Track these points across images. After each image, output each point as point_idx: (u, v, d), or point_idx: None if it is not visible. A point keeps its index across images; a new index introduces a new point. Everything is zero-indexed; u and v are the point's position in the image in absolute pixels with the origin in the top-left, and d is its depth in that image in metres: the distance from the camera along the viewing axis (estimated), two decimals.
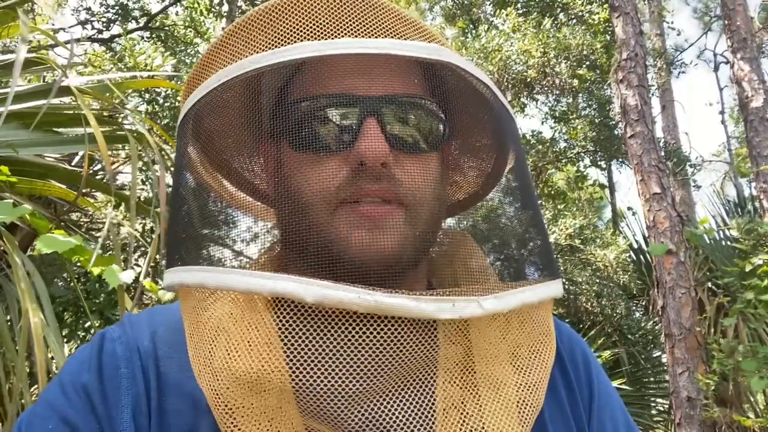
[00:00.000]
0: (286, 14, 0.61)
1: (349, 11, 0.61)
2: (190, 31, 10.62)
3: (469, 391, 0.60)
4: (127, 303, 1.64)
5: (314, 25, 0.60)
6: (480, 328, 0.62)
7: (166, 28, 10.53)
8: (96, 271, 1.50)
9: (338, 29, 0.60)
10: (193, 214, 0.69)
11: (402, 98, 0.63)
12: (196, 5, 10.17)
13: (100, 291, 3.58)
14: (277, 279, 0.55)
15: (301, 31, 0.60)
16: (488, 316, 0.60)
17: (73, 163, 2.74)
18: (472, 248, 0.72)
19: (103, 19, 9.79)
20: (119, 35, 9.68)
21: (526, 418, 0.59)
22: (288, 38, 0.60)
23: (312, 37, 0.60)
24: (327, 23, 0.60)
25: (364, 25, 0.60)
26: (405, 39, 0.61)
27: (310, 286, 0.54)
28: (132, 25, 9.88)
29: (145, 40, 10.13)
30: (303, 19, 0.60)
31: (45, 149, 1.96)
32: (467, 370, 0.61)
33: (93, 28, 9.88)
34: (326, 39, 0.59)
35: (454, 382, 0.60)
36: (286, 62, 0.58)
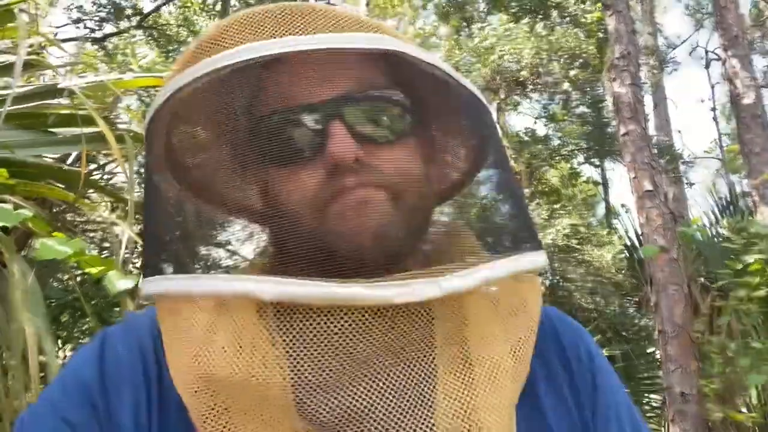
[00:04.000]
0: (234, 31, 0.61)
1: (291, 19, 0.61)
2: (183, 29, 10.59)
3: (463, 370, 0.60)
4: (130, 307, 1.65)
5: (255, 36, 0.60)
6: (470, 305, 0.62)
7: (159, 27, 10.49)
8: (94, 272, 1.50)
9: (279, 34, 0.60)
10: (159, 221, 0.69)
11: (359, 94, 0.64)
12: (189, 4, 10.13)
13: (98, 293, 3.57)
14: (236, 280, 0.56)
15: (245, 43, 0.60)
16: (475, 293, 0.60)
17: (67, 163, 2.74)
18: (457, 224, 0.74)
19: (96, 18, 9.76)
20: (112, 34, 9.65)
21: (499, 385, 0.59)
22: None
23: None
24: (268, 32, 0.61)
25: (305, 29, 0.61)
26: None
27: (266, 284, 0.55)
28: (124, 23, 9.84)
29: (139, 39, 10.10)
30: (246, 33, 0.61)
31: (42, 150, 1.96)
32: (462, 347, 0.61)
33: (85, 27, 9.84)
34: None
35: (452, 365, 0.60)
36: (227, 65, 0.58)
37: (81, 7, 10.03)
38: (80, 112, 1.88)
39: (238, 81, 0.65)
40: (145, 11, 10.36)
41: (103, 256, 2.07)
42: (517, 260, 0.65)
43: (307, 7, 0.62)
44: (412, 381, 0.58)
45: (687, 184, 12.62)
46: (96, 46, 9.46)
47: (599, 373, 0.75)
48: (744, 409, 5.39)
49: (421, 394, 0.58)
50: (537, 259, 0.68)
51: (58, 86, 1.67)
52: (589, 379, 0.73)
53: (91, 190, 2.90)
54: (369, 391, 0.57)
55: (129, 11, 10.01)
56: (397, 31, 0.68)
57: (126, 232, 1.84)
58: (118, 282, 1.36)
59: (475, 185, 0.77)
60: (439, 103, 0.73)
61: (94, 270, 1.46)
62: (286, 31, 0.61)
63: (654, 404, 7.29)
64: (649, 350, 7.62)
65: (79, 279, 3.62)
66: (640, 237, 6.17)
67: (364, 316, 0.56)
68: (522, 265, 0.65)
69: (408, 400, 0.57)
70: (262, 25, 0.61)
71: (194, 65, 0.60)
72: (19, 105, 1.89)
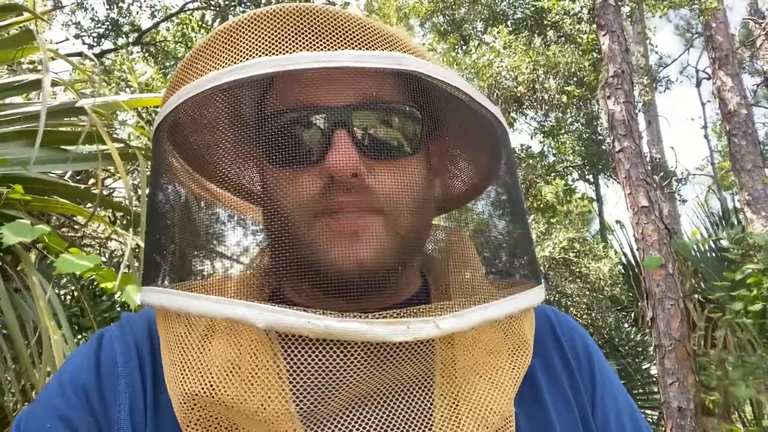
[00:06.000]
0: (250, 31, 0.61)
1: (312, 26, 0.60)
2: (181, 46, 10.66)
3: (457, 404, 0.60)
4: None
5: (276, 40, 0.60)
6: (460, 339, 0.62)
7: (157, 43, 10.56)
8: (109, 286, 1.53)
9: (301, 45, 0.60)
10: (164, 231, 0.69)
11: (369, 105, 0.62)
12: (187, 21, 10.22)
13: (96, 308, 3.57)
14: (230, 304, 0.56)
15: (263, 48, 0.60)
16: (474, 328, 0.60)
17: (65, 179, 2.76)
18: (460, 249, 0.72)
19: (94, 35, 9.81)
20: (110, 50, 9.70)
21: (489, 422, 0.60)
22: (250, 54, 0.60)
23: (273, 52, 0.59)
24: (289, 38, 0.60)
25: (326, 40, 0.60)
26: (368, 49, 0.60)
27: (260, 312, 0.54)
28: (122, 40, 9.89)
29: (137, 54, 10.16)
30: (265, 34, 0.60)
31: (56, 167, 1.99)
32: (457, 381, 0.61)
33: (84, 43, 9.89)
34: (287, 53, 0.59)
35: (448, 399, 0.61)
36: (244, 79, 0.58)
37: (78, 23, 10.09)
38: (90, 130, 1.92)
39: (254, 86, 0.65)
40: (143, 28, 10.43)
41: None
42: (517, 299, 0.65)
43: (325, 11, 0.61)
44: (410, 414, 0.59)
45: (679, 200, 12.75)
46: (93, 63, 9.48)
47: (598, 369, 0.76)
48: (739, 425, 5.41)
49: (418, 426, 0.59)
50: (536, 297, 0.69)
51: (77, 105, 1.70)
52: (587, 375, 0.74)
53: (89, 205, 2.93)
54: (367, 422, 0.58)
55: (127, 28, 10.07)
56: (416, 44, 0.67)
57: (135, 244, 1.87)
58: (137, 296, 1.39)
59: (481, 212, 0.77)
60: (454, 124, 0.72)
61: (109, 284, 1.49)
62: (306, 35, 0.60)
63: (650, 420, 7.29)
64: (644, 366, 7.64)
65: (76, 294, 3.62)
66: (635, 252, 6.23)
67: (361, 349, 0.56)
68: (522, 305, 0.66)
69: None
70: (280, 27, 0.60)
71: (211, 73, 0.60)
72: (33, 123, 1.92)
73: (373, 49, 0.60)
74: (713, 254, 6.00)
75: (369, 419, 0.58)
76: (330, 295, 0.59)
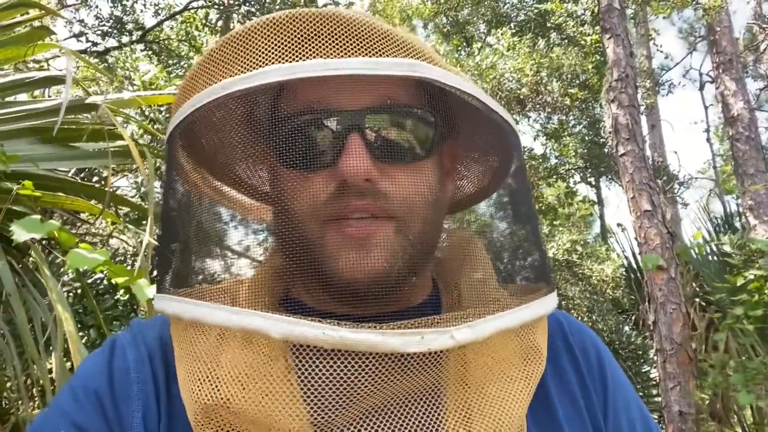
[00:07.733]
0: (262, 36, 0.60)
1: (323, 31, 0.60)
2: (185, 44, 10.66)
3: (469, 415, 0.60)
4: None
5: (289, 46, 0.60)
6: (472, 348, 0.62)
7: (161, 41, 10.57)
8: (120, 281, 1.53)
9: (312, 50, 0.59)
10: (178, 237, 0.69)
11: (383, 110, 0.63)
12: (191, 19, 10.23)
13: (98, 308, 3.57)
14: (245, 314, 0.56)
15: (275, 53, 0.59)
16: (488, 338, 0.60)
17: (69, 176, 2.77)
18: (472, 255, 0.72)
19: (98, 32, 9.81)
20: (114, 48, 9.72)
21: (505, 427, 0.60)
22: (262, 61, 0.59)
23: (286, 59, 0.59)
24: (302, 44, 0.59)
25: (338, 45, 0.59)
26: (381, 56, 0.59)
27: (276, 323, 0.54)
28: (126, 38, 9.90)
29: (141, 52, 10.18)
30: (278, 40, 0.60)
31: (65, 163, 2.00)
32: (470, 391, 0.61)
33: (87, 40, 9.90)
34: (300, 60, 0.59)
35: (460, 409, 0.60)
36: (256, 87, 0.58)
37: (82, 21, 10.10)
38: (101, 127, 1.93)
39: (268, 92, 0.65)
40: (147, 26, 10.44)
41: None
42: (531, 308, 0.65)
43: (338, 16, 0.61)
44: (422, 423, 0.59)
45: (681, 204, 12.74)
46: (97, 60, 9.50)
47: (608, 371, 0.76)
48: (739, 429, 5.42)
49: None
50: (550, 305, 0.69)
51: (91, 101, 1.71)
52: (599, 381, 0.74)
53: (93, 201, 2.95)
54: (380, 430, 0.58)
55: (131, 26, 10.07)
56: (427, 47, 0.66)
57: (140, 240, 1.88)
58: (147, 290, 1.40)
59: (493, 218, 0.77)
60: (466, 129, 0.72)
61: (120, 279, 1.49)
62: (318, 40, 0.59)
63: None
64: (644, 369, 7.64)
65: (79, 291, 3.63)
66: (637, 256, 6.24)
67: (374, 360, 0.56)
68: (535, 313, 0.66)
69: None
70: (292, 33, 0.60)
71: (224, 80, 0.60)
72: (43, 120, 1.93)
73: (387, 55, 0.60)
74: (715, 258, 6.00)
75: (382, 429, 0.58)
76: (341, 299, 0.59)
